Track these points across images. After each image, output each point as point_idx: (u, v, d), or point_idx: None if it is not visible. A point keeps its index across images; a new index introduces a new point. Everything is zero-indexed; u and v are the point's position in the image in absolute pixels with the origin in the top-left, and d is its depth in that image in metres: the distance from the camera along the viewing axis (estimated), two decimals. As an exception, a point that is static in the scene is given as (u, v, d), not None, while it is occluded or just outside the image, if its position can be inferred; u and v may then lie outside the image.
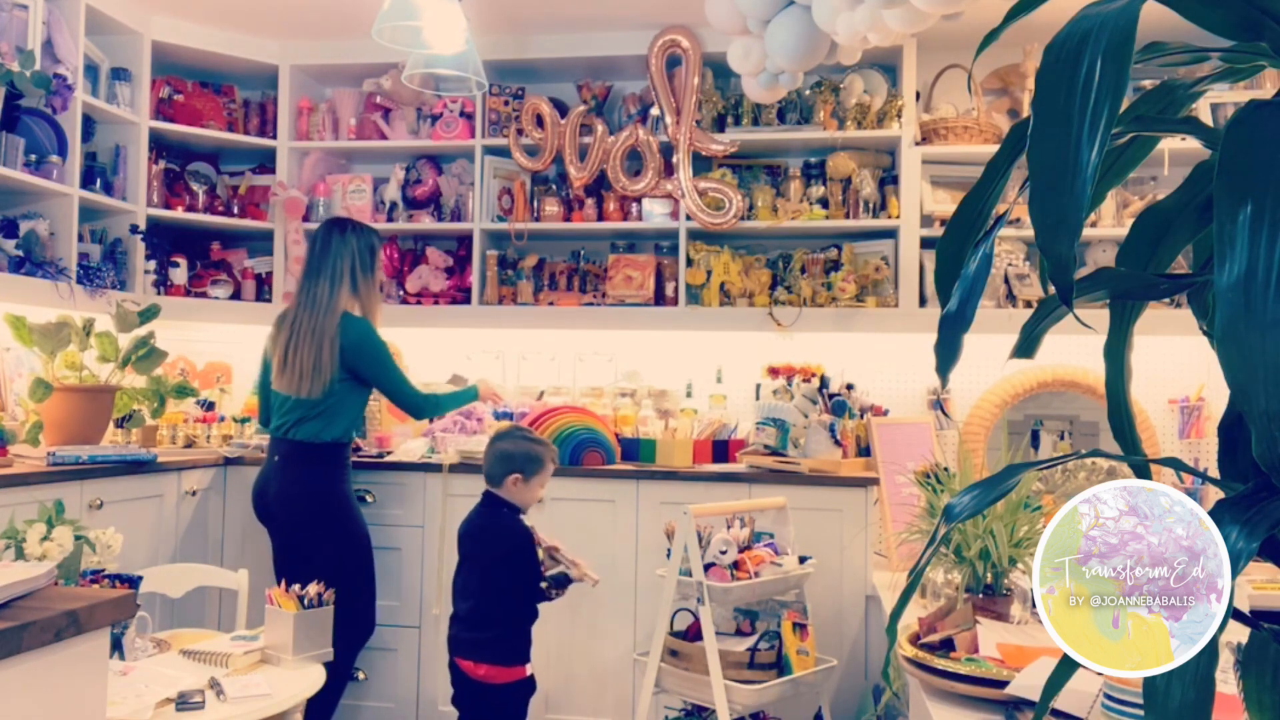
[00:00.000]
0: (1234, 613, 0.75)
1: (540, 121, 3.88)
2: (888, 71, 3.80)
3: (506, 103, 3.97)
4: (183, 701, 2.01)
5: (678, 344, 3.94)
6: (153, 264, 3.81)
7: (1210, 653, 0.73)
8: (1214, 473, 1.40)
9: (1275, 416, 0.67)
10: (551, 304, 3.90)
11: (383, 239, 3.20)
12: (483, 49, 3.42)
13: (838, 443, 3.28)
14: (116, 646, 2.19)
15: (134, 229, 3.73)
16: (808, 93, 3.74)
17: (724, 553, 2.76)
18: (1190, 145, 2.38)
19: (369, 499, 3.43)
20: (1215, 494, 2.60)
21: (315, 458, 3.02)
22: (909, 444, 3.23)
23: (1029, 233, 2.55)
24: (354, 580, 2.98)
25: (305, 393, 2.99)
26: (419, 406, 3.21)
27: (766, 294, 3.76)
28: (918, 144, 3.67)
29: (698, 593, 2.71)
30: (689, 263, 3.80)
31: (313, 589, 2.42)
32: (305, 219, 4.01)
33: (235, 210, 4.07)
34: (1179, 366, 3.57)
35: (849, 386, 3.54)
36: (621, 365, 4.00)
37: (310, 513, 3.00)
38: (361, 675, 3.39)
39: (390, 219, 4.07)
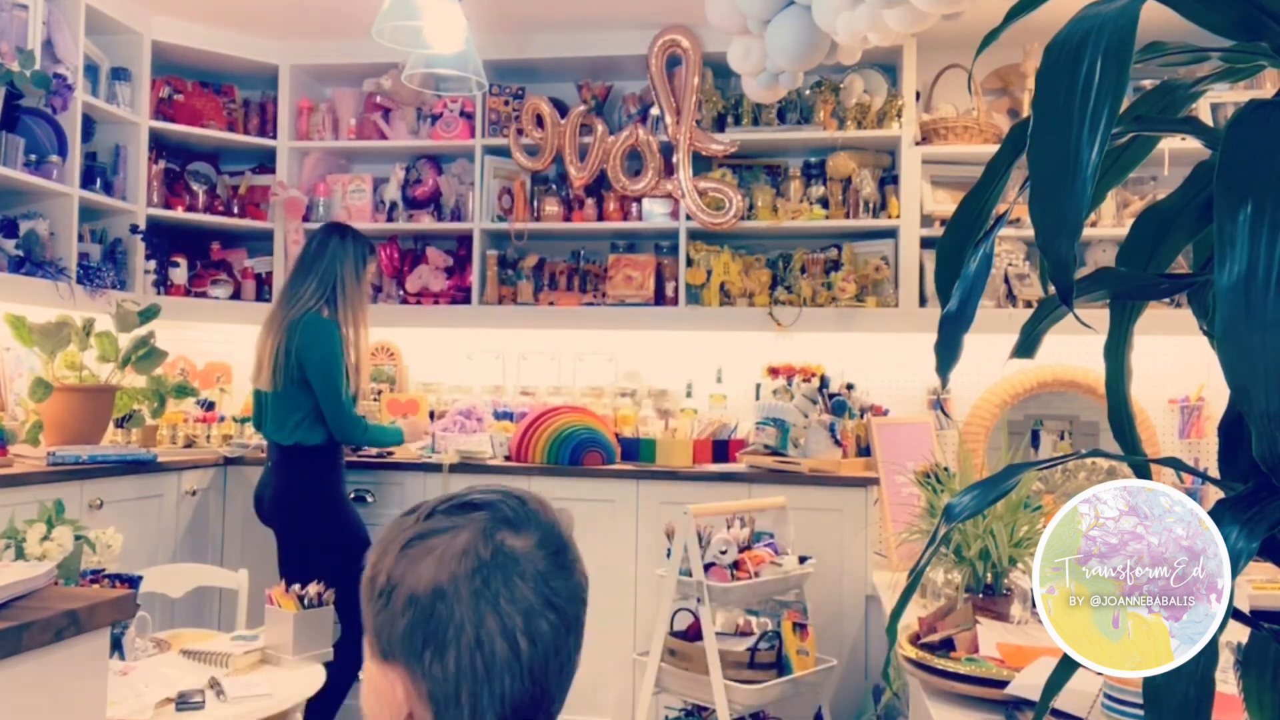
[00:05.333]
0: (1234, 613, 0.75)
1: (540, 121, 3.88)
2: (888, 71, 3.80)
3: (506, 103, 3.97)
4: (183, 701, 2.01)
5: (678, 344, 3.94)
6: (153, 264, 3.80)
7: (1210, 653, 0.73)
8: (1214, 473, 1.40)
9: (1275, 416, 0.67)
10: (551, 304, 3.90)
11: (376, 251, 3.21)
12: (483, 49, 3.42)
13: (838, 443, 3.28)
14: (116, 646, 2.19)
15: (134, 229, 3.73)
16: (808, 93, 3.74)
17: (724, 553, 2.76)
18: (1190, 145, 2.38)
19: (369, 499, 3.43)
20: (1215, 494, 2.59)
21: (306, 462, 3.01)
22: (909, 444, 3.23)
23: (1029, 233, 2.55)
24: (355, 583, 2.97)
25: (265, 385, 3.00)
26: (348, 428, 3.03)
27: (766, 294, 3.76)
28: (918, 144, 3.67)
29: (698, 593, 2.71)
30: (689, 263, 3.80)
31: (313, 589, 2.42)
32: (305, 219, 4.01)
33: (235, 210, 4.07)
34: (1179, 366, 3.56)
35: (849, 386, 3.54)
36: (621, 365, 4.00)
37: (304, 517, 3.00)
38: (363, 675, 3.38)
39: (390, 219, 4.07)
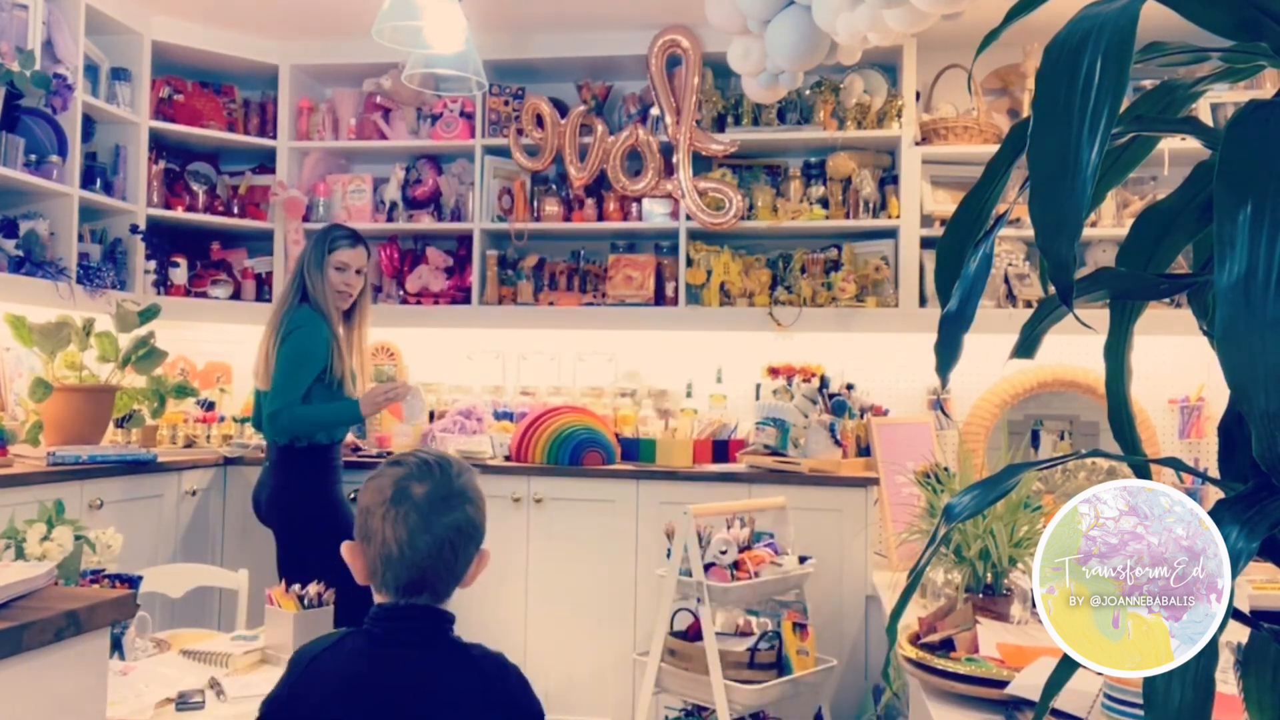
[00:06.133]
0: (1234, 613, 0.75)
1: (540, 121, 3.88)
2: (888, 71, 3.80)
3: (506, 103, 3.97)
4: (183, 701, 2.00)
5: (678, 344, 3.94)
6: (153, 264, 3.81)
7: (1210, 653, 0.73)
8: (1214, 473, 1.40)
9: (1275, 416, 0.67)
10: (551, 304, 3.90)
11: (350, 238, 3.12)
12: (483, 49, 3.42)
13: (838, 443, 3.28)
14: (116, 646, 2.19)
15: (134, 229, 3.73)
16: (808, 93, 3.74)
17: (724, 553, 2.76)
18: (1190, 145, 2.38)
19: (369, 499, 3.42)
20: (1215, 494, 2.59)
21: (303, 462, 3.00)
22: (909, 444, 3.23)
23: (1029, 233, 2.55)
24: (352, 583, 2.96)
25: (262, 383, 3.00)
26: (280, 421, 2.91)
27: (766, 294, 3.76)
28: (918, 144, 3.67)
29: (698, 593, 2.71)
30: (689, 263, 3.80)
31: (313, 589, 2.41)
32: (305, 219, 4.01)
33: (235, 210, 4.07)
34: (1179, 366, 3.56)
35: (849, 386, 3.53)
36: (621, 365, 4.00)
37: (301, 517, 3.00)
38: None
39: (390, 219, 4.07)
